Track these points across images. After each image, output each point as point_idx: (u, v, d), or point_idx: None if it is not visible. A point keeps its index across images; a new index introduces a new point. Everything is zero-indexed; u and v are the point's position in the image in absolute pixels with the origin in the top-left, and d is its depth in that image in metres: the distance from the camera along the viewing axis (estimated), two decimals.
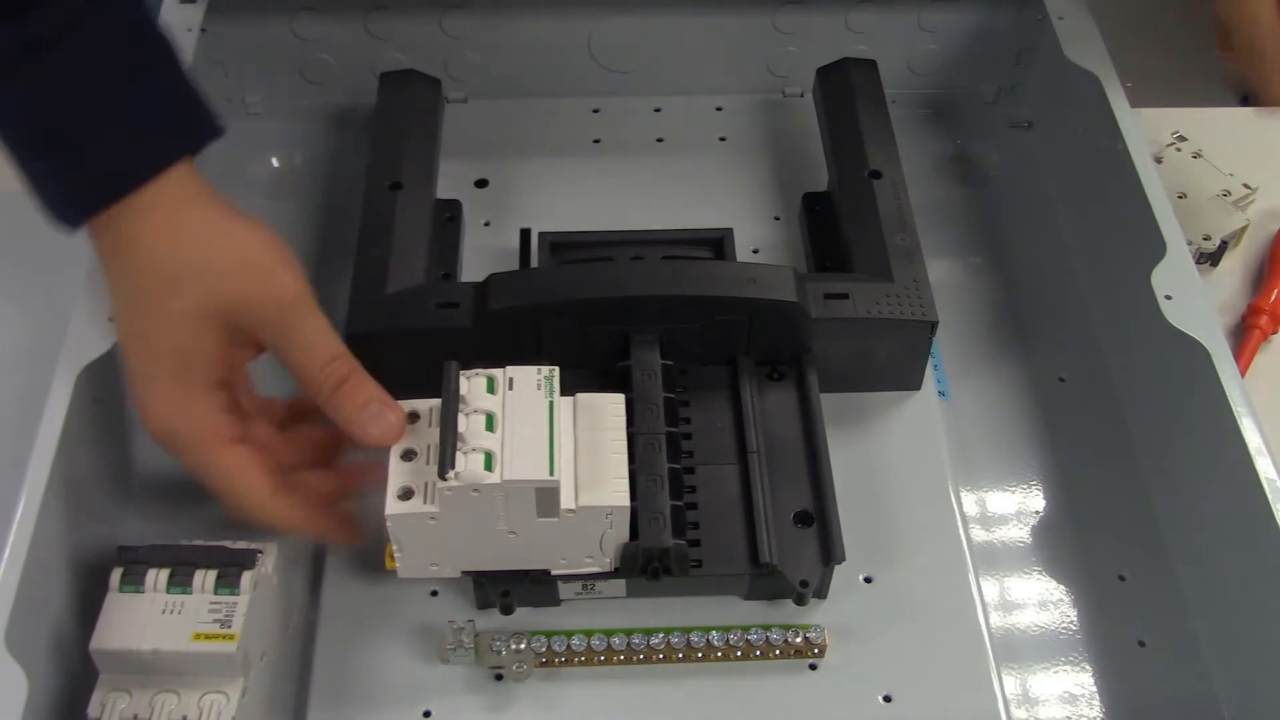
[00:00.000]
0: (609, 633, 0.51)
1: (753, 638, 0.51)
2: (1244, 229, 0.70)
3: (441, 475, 0.46)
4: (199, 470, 0.49)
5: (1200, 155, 0.73)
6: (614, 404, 0.51)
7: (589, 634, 0.51)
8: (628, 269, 0.59)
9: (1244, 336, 0.66)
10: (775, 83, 0.75)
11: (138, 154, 0.48)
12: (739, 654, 0.52)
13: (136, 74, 0.48)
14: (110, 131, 0.48)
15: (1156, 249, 0.58)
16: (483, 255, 0.66)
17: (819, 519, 0.53)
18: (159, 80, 0.50)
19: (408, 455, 0.49)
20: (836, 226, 0.64)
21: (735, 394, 0.57)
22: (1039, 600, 0.56)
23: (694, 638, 0.51)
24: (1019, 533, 0.58)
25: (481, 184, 0.70)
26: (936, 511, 0.57)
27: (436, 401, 0.49)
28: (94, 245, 0.50)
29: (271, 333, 0.49)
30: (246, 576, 0.48)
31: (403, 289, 0.58)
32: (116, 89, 0.48)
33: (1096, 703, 0.53)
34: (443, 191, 0.67)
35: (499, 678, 0.51)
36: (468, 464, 0.46)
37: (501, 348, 0.55)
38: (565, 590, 0.53)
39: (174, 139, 0.49)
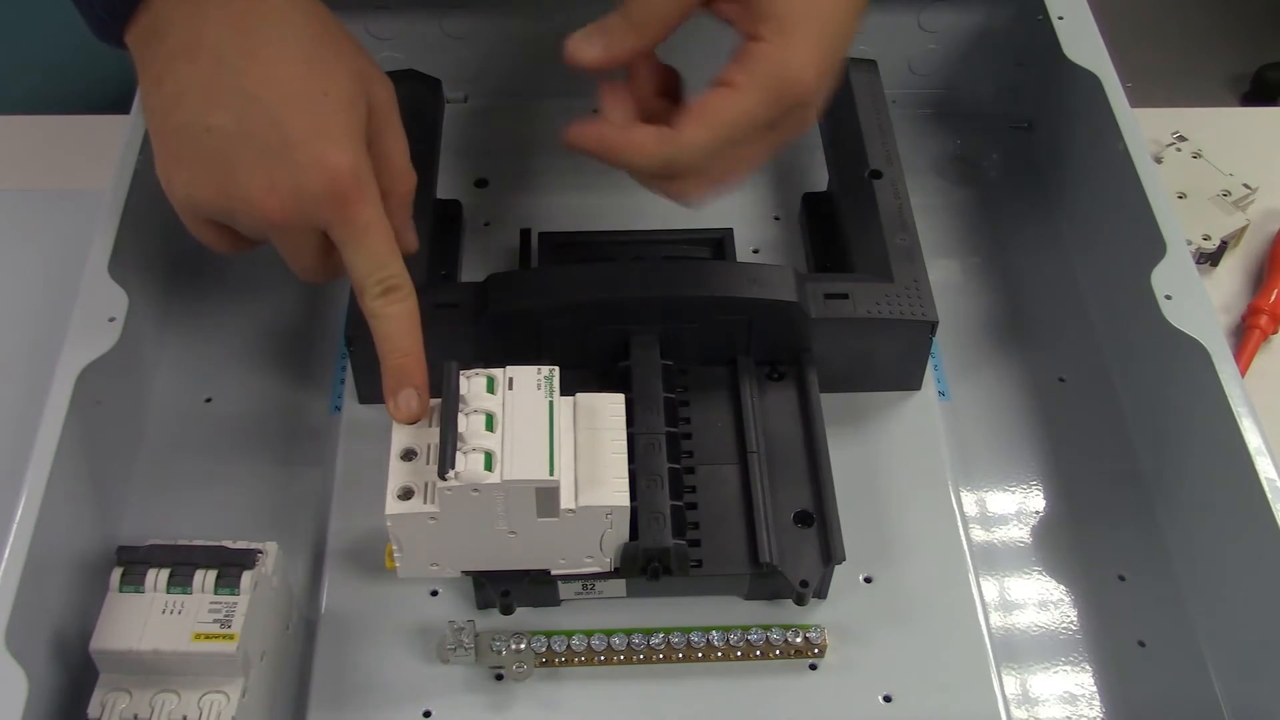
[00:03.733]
0: (609, 633, 0.51)
1: (753, 638, 0.51)
2: (1244, 229, 0.70)
3: (441, 475, 0.46)
4: (368, 223, 0.49)
5: (1200, 155, 0.73)
6: (614, 404, 0.51)
7: (589, 634, 0.51)
8: (628, 269, 0.59)
9: (1244, 336, 0.66)
10: None
11: None
12: (739, 654, 0.52)
13: None
14: None
15: (1156, 249, 0.58)
16: (483, 255, 0.66)
17: (819, 519, 0.53)
18: None
19: (408, 455, 0.49)
20: (836, 226, 0.64)
21: (735, 394, 0.57)
22: (1039, 600, 0.56)
23: (694, 638, 0.51)
24: (1019, 533, 0.58)
25: (481, 184, 0.70)
26: (936, 511, 0.57)
27: (436, 401, 0.49)
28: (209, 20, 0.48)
29: (380, 134, 0.51)
30: (246, 576, 0.48)
31: None
32: None
33: (1096, 703, 0.53)
34: (443, 191, 0.67)
35: (499, 678, 0.51)
36: (468, 464, 0.46)
37: (501, 348, 0.55)
38: (565, 590, 0.53)
39: None
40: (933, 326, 0.58)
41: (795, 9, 0.48)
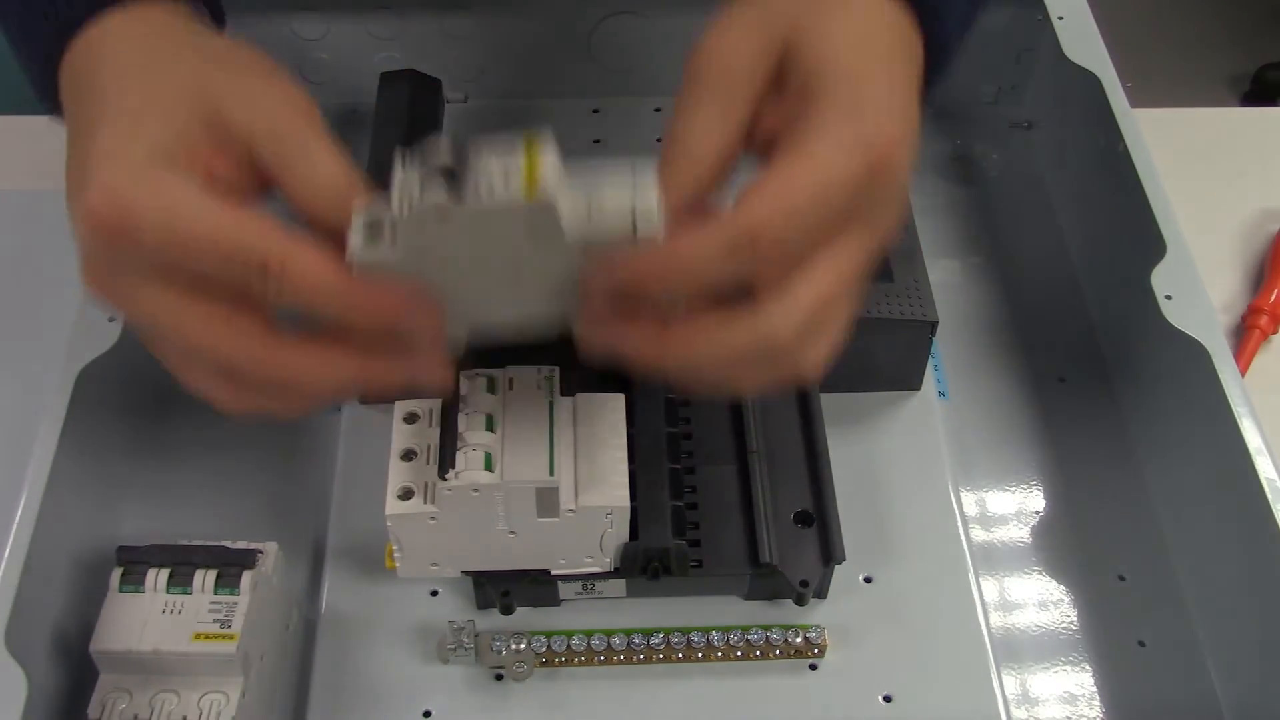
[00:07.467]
0: (609, 633, 0.51)
1: (753, 638, 0.51)
2: None
3: (441, 475, 0.46)
4: (170, 249, 0.38)
5: None
6: (614, 404, 0.51)
7: (589, 634, 0.51)
8: None
9: (1244, 336, 0.66)
10: None
11: None
12: (739, 654, 0.52)
13: None
14: None
15: (1156, 249, 0.58)
16: None
17: (819, 519, 0.53)
18: None
19: (408, 455, 0.48)
20: None
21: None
22: (1039, 600, 0.56)
23: (694, 638, 0.51)
24: (1019, 533, 0.58)
25: None
26: (936, 511, 0.57)
27: (436, 401, 0.49)
28: (67, 92, 0.45)
29: (271, 144, 0.41)
30: (246, 576, 0.48)
31: None
32: None
33: (1096, 703, 0.53)
34: None
35: (499, 678, 0.51)
36: (468, 464, 0.46)
37: (501, 347, 0.55)
38: (565, 590, 0.53)
39: None
40: (933, 326, 0.58)
41: (856, 70, 0.41)
